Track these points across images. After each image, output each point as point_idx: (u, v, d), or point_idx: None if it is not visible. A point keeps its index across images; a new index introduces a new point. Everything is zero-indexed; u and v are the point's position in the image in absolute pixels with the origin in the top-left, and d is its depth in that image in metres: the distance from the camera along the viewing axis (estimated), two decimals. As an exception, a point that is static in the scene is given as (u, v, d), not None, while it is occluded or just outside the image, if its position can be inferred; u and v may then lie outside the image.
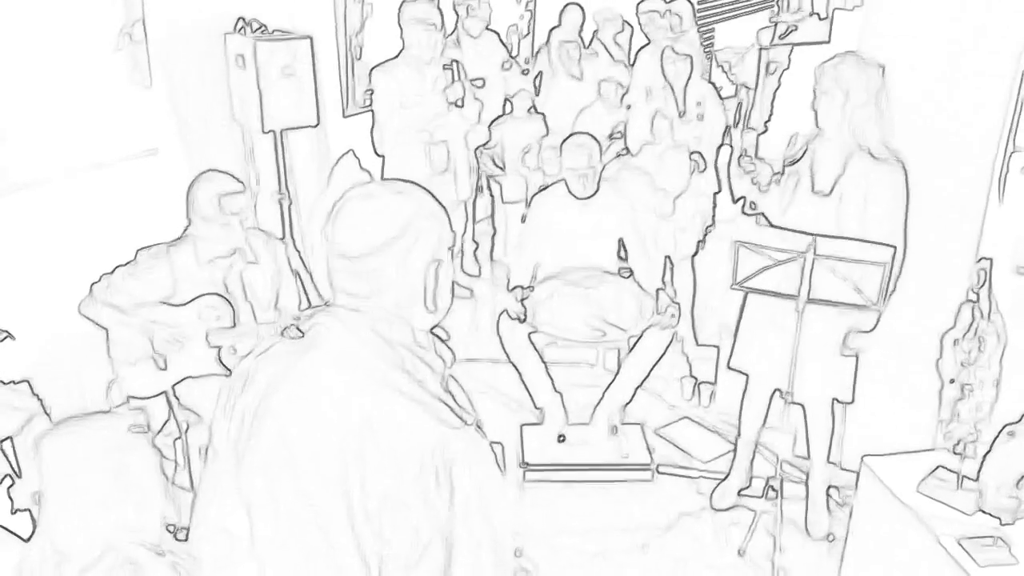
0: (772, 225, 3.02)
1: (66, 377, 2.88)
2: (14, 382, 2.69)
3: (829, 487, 3.22)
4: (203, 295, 3.11)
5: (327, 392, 1.63)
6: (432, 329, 1.79)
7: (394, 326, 1.69)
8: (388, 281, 1.64)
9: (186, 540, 2.72)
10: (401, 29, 3.83)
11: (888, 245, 2.76)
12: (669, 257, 3.75)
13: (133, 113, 3.32)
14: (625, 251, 3.70)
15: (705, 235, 3.97)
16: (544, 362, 3.65)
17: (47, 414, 2.69)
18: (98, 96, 3.20)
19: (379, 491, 1.64)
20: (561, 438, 3.60)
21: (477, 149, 4.14)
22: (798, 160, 3.03)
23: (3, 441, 2.63)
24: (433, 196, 1.73)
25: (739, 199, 3.23)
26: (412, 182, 1.74)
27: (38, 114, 3.06)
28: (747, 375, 3.20)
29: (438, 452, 1.64)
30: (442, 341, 1.84)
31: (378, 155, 3.90)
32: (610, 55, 4.20)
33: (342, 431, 1.62)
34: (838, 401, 3.06)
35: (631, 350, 3.61)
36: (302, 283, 3.43)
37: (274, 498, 1.66)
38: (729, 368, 3.25)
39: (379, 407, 1.63)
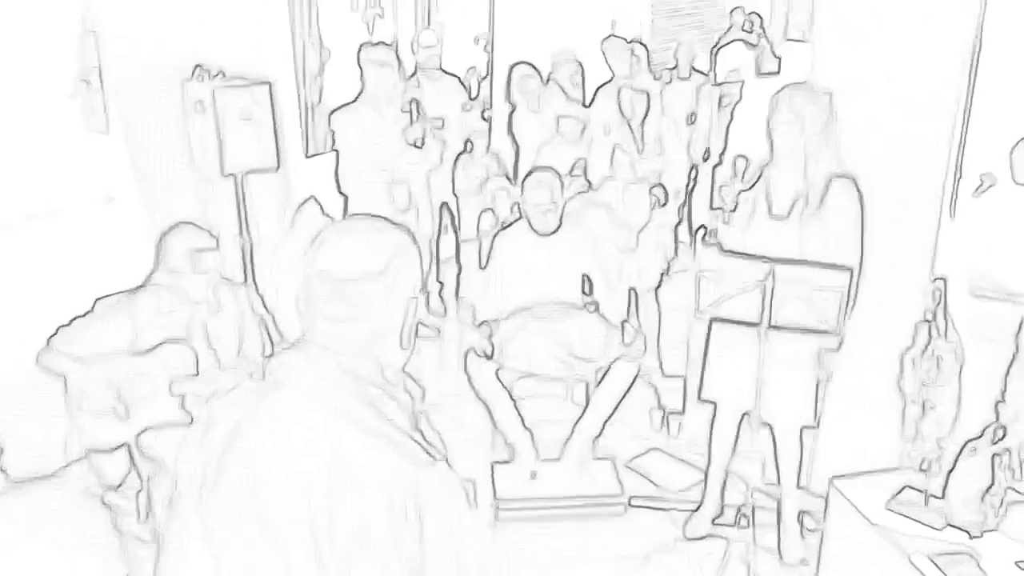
0: (730, 252, 3.07)
1: (22, 428, 2.82)
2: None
3: (801, 512, 3.23)
4: (165, 343, 3.07)
5: (294, 432, 1.62)
6: (402, 367, 1.79)
7: (363, 362, 1.68)
8: (371, 308, 1.64)
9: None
10: (361, 71, 3.87)
11: (844, 268, 2.82)
12: (633, 289, 3.78)
13: (90, 160, 3.29)
14: (590, 285, 3.73)
15: (668, 267, 4.01)
16: (513, 399, 3.65)
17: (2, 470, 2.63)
18: (54, 142, 3.18)
19: (348, 530, 1.62)
20: (533, 475, 3.58)
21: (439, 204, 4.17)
22: (752, 187, 3.10)
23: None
24: (411, 235, 1.75)
25: (698, 228, 3.29)
26: (387, 219, 1.76)
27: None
28: (715, 403, 3.23)
29: (408, 489, 1.63)
30: (411, 378, 1.83)
31: (342, 194, 3.91)
32: (565, 94, 4.27)
33: (309, 470, 1.61)
34: (805, 427, 3.09)
35: (599, 383, 3.62)
36: (266, 328, 3.41)
37: (241, 542, 1.64)
38: (700, 400, 3.27)
39: (347, 445, 1.61)
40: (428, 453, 1.69)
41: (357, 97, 3.95)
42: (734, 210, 3.10)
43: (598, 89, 4.15)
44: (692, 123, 4.15)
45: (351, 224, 1.74)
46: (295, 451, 1.61)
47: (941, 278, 2.55)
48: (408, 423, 1.73)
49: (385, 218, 1.76)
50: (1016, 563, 2.33)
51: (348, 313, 1.63)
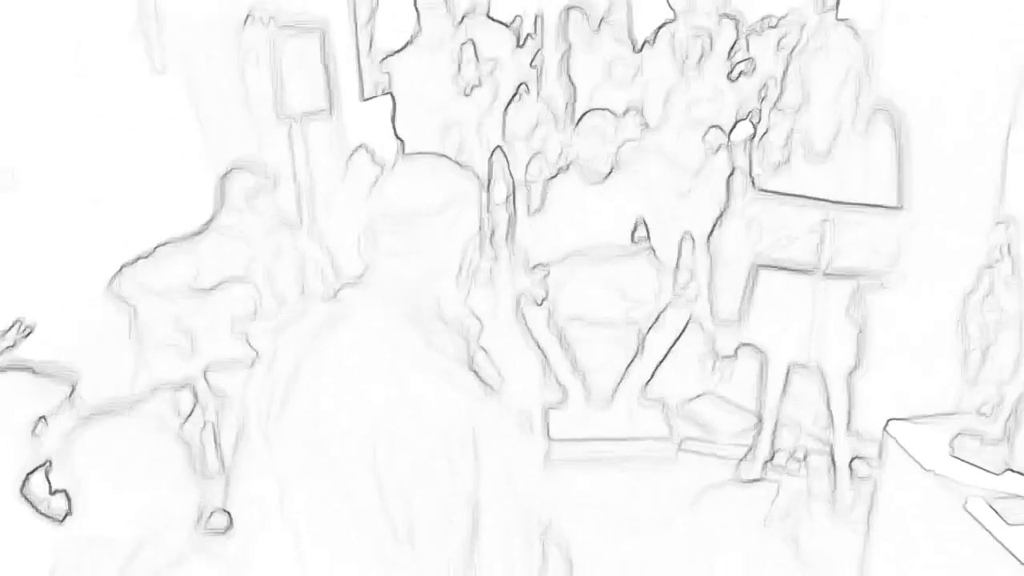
0: (784, 196, 3.03)
1: (91, 363, 2.92)
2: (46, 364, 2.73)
3: (853, 458, 3.22)
4: (227, 281, 3.14)
5: (355, 366, 1.66)
6: (461, 302, 1.82)
7: (422, 298, 1.71)
8: (431, 243, 1.67)
9: (219, 524, 2.77)
10: (418, 14, 3.86)
11: (898, 209, 2.78)
12: (688, 233, 3.75)
13: (149, 104, 3.35)
14: (646, 229, 3.71)
15: (721, 214, 3.96)
16: (565, 343, 3.67)
17: (72, 401, 2.73)
18: (115, 86, 3.24)
19: (406, 462, 1.66)
20: (586, 418, 3.61)
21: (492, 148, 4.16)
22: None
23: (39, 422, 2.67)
24: (477, 178, 1.77)
25: (730, 173, 3.25)
26: (456, 162, 1.78)
27: (54, 107, 3.11)
28: (764, 350, 3.21)
29: (464, 423, 1.67)
30: (469, 313, 1.86)
31: (398, 139, 3.93)
32: (617, 35, 4.19)
33: (370, 404, 1.65)
34: (851, 370, 3.07)
35: (650, 328, 3.62)
36: (322, 270, 3.46)
37: (305, 471, 1.69)
38: (744, 344, 3.27)
39: (406, 379, 1.65)
40: (485, 386, 1.72)
41: (410, 42, 3.94)
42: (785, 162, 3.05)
43: (659, 29, 4.06)
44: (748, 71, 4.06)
45: (417, 161, 1.77)
46: (356, 385, 1.65)
47: (1006, 221, 2.49)
48: (465, 358, 1.76)
49: (448, 158, 1.78)
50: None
51: (409, 247, 1.66)
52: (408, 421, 1.66)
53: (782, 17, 4.01)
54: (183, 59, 3.43)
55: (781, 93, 3.14)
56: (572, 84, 4.12)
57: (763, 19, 4.07)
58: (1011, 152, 2.85)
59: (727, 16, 3.90)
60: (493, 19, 4.37)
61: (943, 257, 2.88)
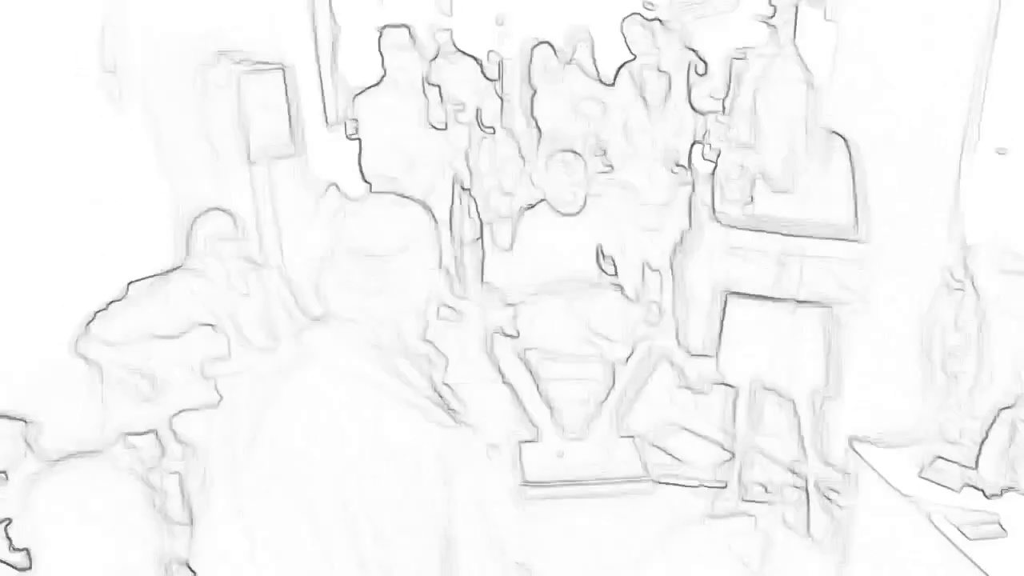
0: (745, 227, 3.06)
1: (56, 412, 2.87)
2: (7, 417, 2.68)
3: (827, 488, 3.22)
4: (196, 326, 3.11)
5: (322, 403, 1.64)
6: (424, 336, 1.81)
7: (387, 333, 1.71)
8: (396, 281, 1.67)
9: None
10: (381, 56, 3.88)
11: (858, 240, 2.81)
12: (657, 270, 3.78)
13: (115, 145, 3.34)
14: (612, 264, 3.73)
15: (681, 240, 3.99)
16: (537, 379, 3.66)
17: (29, 446, 2.68)
18: (80, 128, 3.23)
19: (377, 496, 1.64)
20: (559, 454, 3.58)
21: (460, 187, 4.18)
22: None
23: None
24: (428, 209, 1.79)
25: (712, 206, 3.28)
26: (409, 196, 1.78)
27: (13, 149, 3.09)
28: (734, 382, 3.22)
29: (434, 453, 1.65)
30: (433, 346, 1.86)
31: (366, 182, 3.93)
32: (586, 74, 4.25)
33: (338, 440, 1.63)
34: (823, 396, 3.08)
35: (624, 363, 3.62)
36: (290, 311, 3.43)
37: (273, 514, 1.66)
38: (719, 380, 3.27)
39: (374, 413, 1.64)
40: (452, 417, 1.71)
41: (379, 81, 3.96)
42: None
43: (620, 68, 4.12)
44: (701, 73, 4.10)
45: (377, 201, 1.77)
46: (323, 422, 1.63)
47: (969, 247, 2.53)
48: (432, 390, 1.75)
49: (408, 197, 1.78)
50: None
51: (372, 285, 1.66)
52: (378, 457, 1.64)
53: (748, 47, 4.09)
54: (147, 99, 3.43)
55: (728, 128, 3.18)
56: (537, 125, 4.16)
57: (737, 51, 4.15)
58: (964, 176, 2.91)
59: (690, 49, 3.96)
60: (465, 53, 4.41)
61: (900, 281, 2.92)
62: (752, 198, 3.05)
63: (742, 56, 4.04)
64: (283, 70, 3.55)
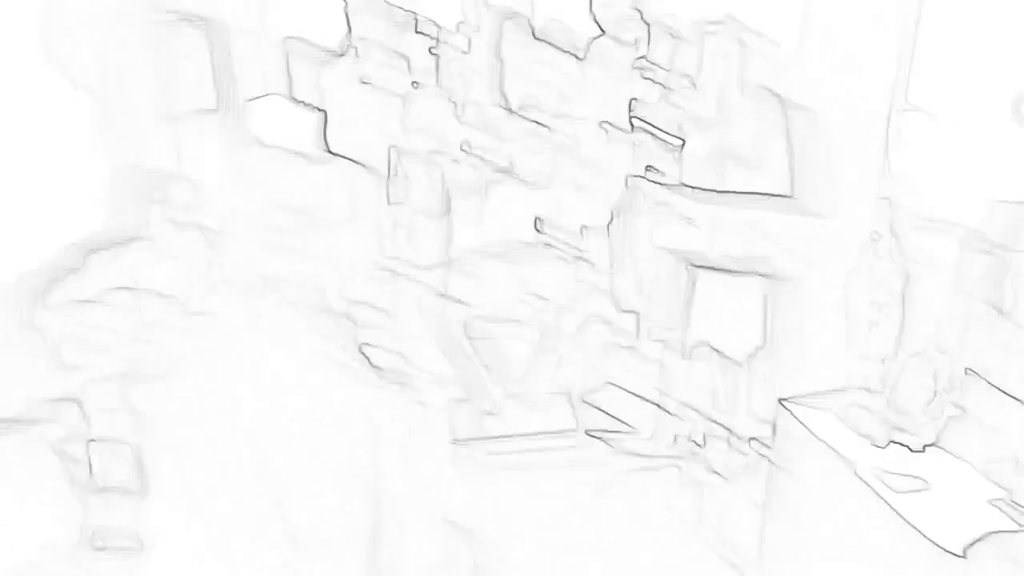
0: (678, 187, 3.09)
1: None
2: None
3: (750, 438, 3.31)
4: (127, 289, 3.04)
5: (245, 362, 1.62)
6: (346, 293, 1.79)
7: (311, 293, 1.69)
8: (324, 241, 1.65)
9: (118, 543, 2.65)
10: (348, 25, 3.79)
11: (786, 196, 2.86)
12: (587, 226, 3.79)
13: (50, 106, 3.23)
14: (544, 224, 3.74)
15: (618, 204, 4.02)
16: (470, 339, 3.66)
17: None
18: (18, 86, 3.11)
19: (304, 458, 1.63)
20: (493, 412, 3.61)
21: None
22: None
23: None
24: (365, 168, 1.75)
25: (647, 167, 3.29)
26: (344, 156, 1.75)
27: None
28: (666, 338, 3.27)
29: (360, 412, 1.65)
30: (362, 305, 1.84)
31: (330, 152, 3.88)
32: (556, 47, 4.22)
33: (262, 400, 1.61)
34: (754, 350, 3.15)
35: (556, 322, 3.64)
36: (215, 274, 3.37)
37: (218, 485, 1.65)
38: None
39: (299, 372, 1.62)
40: (379, 376, 1.70)
41: (344, 51, 3.89)
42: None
43: (590, 42, 4.10)
44: None
45: (312, 162, 1.73)
46: (248, 382, 1.61)
47: (886, 198, 2.60)
48: (356, 349, 1.74)
49: (345, 157, 1.75)
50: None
51: (300, 244, 1.63)
52: (303, 414, 1.63)
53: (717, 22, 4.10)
54: (70, 54, 3.31)
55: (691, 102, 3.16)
56: (505, 99, 4.13)
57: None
58: (892, 133, 2.98)
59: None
60: (421, 32, 4.34)
61: (827, 239, 2.99)
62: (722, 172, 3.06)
63: (715, 32, 4.06)
64: (209, 23, 3.45)
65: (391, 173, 4.31)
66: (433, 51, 4.45)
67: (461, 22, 4.68)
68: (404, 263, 4.42)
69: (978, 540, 2.31)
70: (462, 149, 4.09)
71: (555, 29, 4.31)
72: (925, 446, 2.45)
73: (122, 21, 3.36)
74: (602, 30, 4.25)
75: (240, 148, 3.99)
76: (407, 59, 4.24)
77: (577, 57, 4.40)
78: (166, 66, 3.33)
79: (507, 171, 3.71)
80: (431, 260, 3.77)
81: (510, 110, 3.67)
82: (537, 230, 3.75)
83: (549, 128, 4.18)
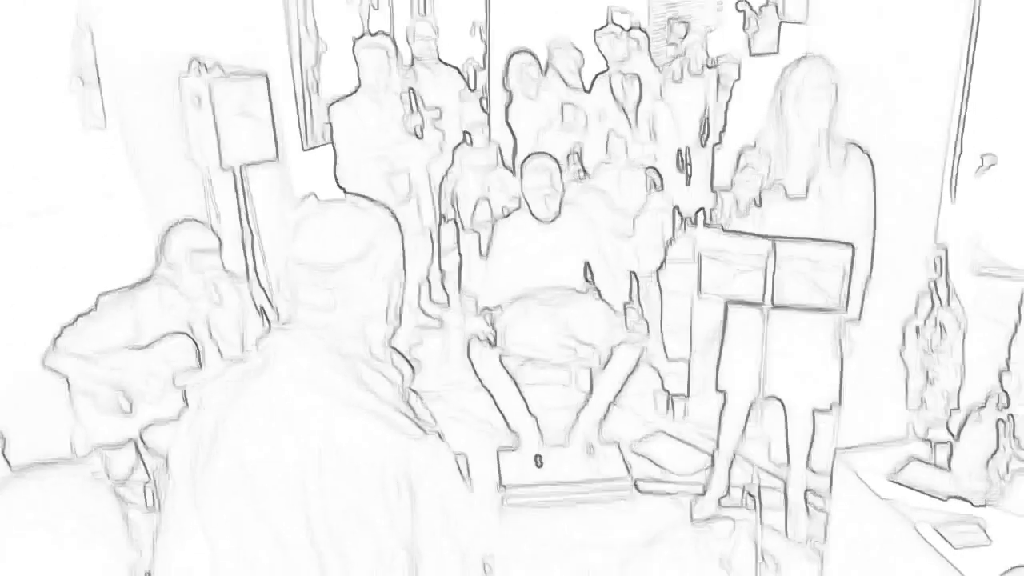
0: (731, 232, 3.03)
1: (26, 424, 2.83)
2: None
3: (806, 491, 3.20)
4: (167, 336, 3.08)
5: (283, 411, 1.61)
6: (389, 342, 1.78)
7: (350, 340, 1.67)
8: (356, 293, 1.63)
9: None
10: (357, 64, 3.87)
11: (846, 244, 2.78)
12: (634, 273, 3.76)
13: (88, 156, 3.30)
14: (590, 272, 3.72)
15: (666, 250, 3.99)
16: (517, 385, 3.63)
17: (6, 460, 2.64)
18: (53, 140, 3.19)
19: (340, 508, 1.61)
20: (539, 460, 3.56)
21: (441, 182, 4.17)
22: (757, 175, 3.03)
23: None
24: (391, 211, 1.73)
25: (698, 211, 3.25)
26: (367, 198, 1.74)
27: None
28: (726, 390, 3.19)
29: (399, 464, 1.62)
30: (398, 353, 1.82)
31: (340, 188, 3.91)
32: (564, 81, 4.25)
33: (299, 449, 1.60)
34: (820, 408, 3.06)
35: (603, 368, 3.60)
36: (267, 320, 3.41)
37: (234, 523, 1.63)
38: (717, 391, 3.22)
39: (336, 422, 1.61)
40: (419, 427, 1.68)
41: (355, 90, 3.95)
42: (758, 204, 3.01)
43: (596, 77, 4.14)
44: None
45: (326, 209, 1.69)
46: (284, 431, 1.60)
47: (942, 246, 2.52)
48: (398, 399, 1.72)
49: (362, 196, 1.73)
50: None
51: (330, 300, 1.61)
52: (341, 465, 1.61)
53: (720, 56, 4.11)
54: (120, 112, 3.40)
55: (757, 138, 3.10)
56: (512, 132, 4.16)
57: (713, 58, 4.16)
58: (945, 183, 2.91)
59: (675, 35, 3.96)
60: (444, 62, 4.41)
61: (888, 288, 2.90)
62: (759, 203, 3.00)
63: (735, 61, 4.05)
64: (266, 77, 3.53)
65: (441, 219, 4.36)
66: (484, 106, 4.52)
67: (470, 58, 4.74)
68: (451, 311, 4.44)
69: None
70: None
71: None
72: (987, 501, 2.34)
73: (162, 73, 3.44)
74: (607, 63, 4.23)
75: (290, 196, 4.07)
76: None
77: (585, 91, 4.42)
78: (225, 120, 3.40)
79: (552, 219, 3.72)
80: (477, 307, 3.78)
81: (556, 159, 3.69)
82: (586, 277, 3.73)
83: (589, 175, 4.20)
